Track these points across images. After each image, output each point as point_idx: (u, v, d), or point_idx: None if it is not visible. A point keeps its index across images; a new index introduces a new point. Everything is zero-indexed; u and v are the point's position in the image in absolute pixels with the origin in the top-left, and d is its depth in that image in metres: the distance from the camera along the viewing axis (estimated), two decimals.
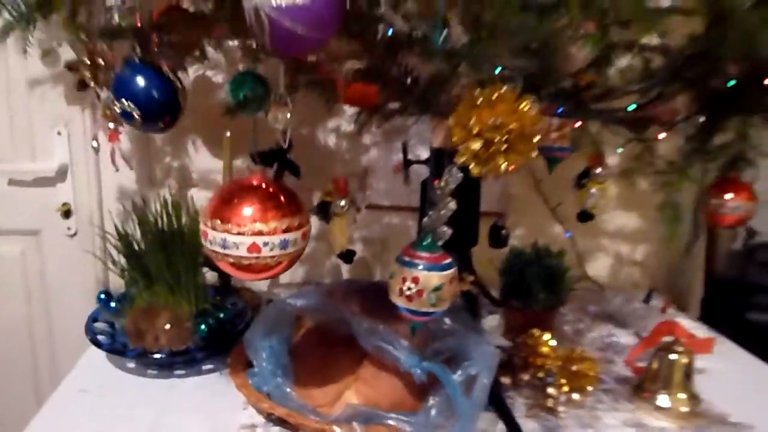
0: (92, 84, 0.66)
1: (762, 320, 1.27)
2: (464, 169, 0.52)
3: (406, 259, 0.50)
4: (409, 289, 0.49)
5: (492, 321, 0.95)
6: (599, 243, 1.38)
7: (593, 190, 0.79)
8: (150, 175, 1.17)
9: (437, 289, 0.49)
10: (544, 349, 0.78)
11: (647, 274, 1.42)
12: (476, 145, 0.40)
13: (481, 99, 0.40)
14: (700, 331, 0.98)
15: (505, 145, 0.40)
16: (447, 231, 0.65)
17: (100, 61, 0.63)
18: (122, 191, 1.17)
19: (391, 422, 0.60)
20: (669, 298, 0.99)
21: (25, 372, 1.25)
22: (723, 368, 0.87)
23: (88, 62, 0.64)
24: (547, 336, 0.80)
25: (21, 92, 1.12)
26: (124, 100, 0.57)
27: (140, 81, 0.57)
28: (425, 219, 0.58)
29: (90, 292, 1.21)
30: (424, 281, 0.49)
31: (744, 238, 1.97)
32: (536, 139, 0.41)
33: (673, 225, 0.67)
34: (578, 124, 0.65)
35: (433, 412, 0.60)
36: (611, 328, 0.97)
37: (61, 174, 1.16)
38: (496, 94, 0.40)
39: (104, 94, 0.67)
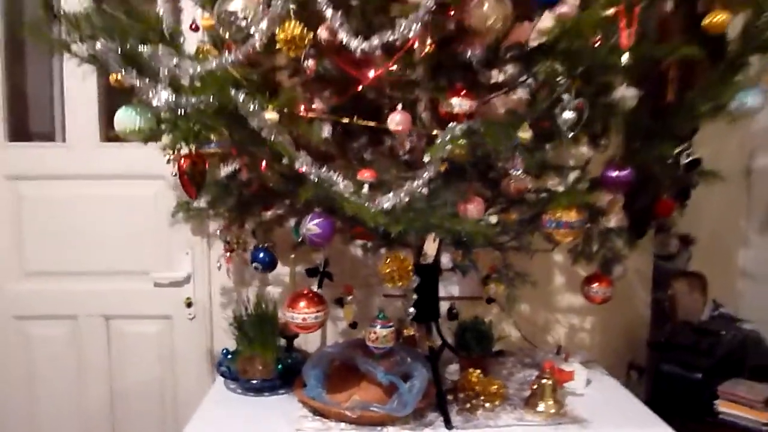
0: (238, 249, 1.42)
1: (669, 370, 1.83)
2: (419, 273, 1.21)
3: (372, 324, 1.19)
4: (373, 336, 1.17)
5: (455, 366, 1.59)
6: (556, 317, 2.00)
7: (492, 286, 1.45)
8: (242, 279, 1.91)
9: (385, 336, 1.17)
10: (474, 380, 1.41)
11: (594, 339, 2.01)
12: (387, 275, 1.09)
13: (387, 259, 1.10)
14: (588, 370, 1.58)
15: (398, 275, 1.09)
16: (412, 311, 1.33)
17: (241, 242, 1.39)
18: (224, 289, 1.92)
19: (374, 409, 1.25)
20: (567, 351, 1.60)
21: (155, 418, 1.97)
22: (595, 394, 1.47)
23: (236, 243, 1.39)
24: (477, 372, 1.43)
25: (165, 229, 1.90)
26: (255, 263, 1.32)
27: (261, 255, 1.32)
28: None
29: (203, 356, 1.93)
30: (379, 333, 1.17)
31: (711, 309, 2.53)
32: (411, 272, 1.09)
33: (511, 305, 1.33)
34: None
35: (395, 403, 1.25)
36: (533, 371, 1.58)
37: (187, 279, 1.92)
38: (396, 257, 1.10)
39: (241, 252, 1.44)
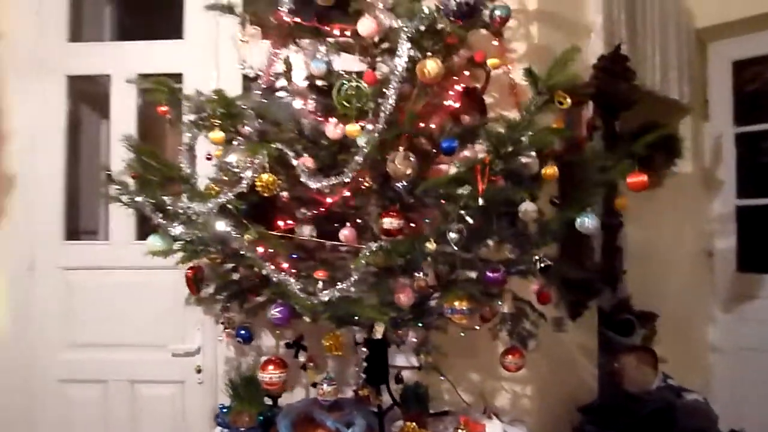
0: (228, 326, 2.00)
1: (589, 429, 2.27)
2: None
3: (321, 383, 1.72)
4: (321, 392, 1.70)
5: (401, 422, 2.07)
6: (502, 384, 2.46)
7: (421, 356, 1.96)
8: (242, 350, 2.45)
9: (329, 392, 1.70)
10: (409, 431, 1.90)
11: (534, 404, 2.46)
12: (327, 347, 1.63)
13: (329, 336, 1.64)
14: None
15: (334, 347, 1.62)
16: (363, 376, 1.87)
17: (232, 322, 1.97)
18: (227, 358, 2.47)
19: None
20: (490, 409, 2.07)
21: None
22: None
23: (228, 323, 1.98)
24: (413, 424, 1.92)
25: (181, 309, 2.48)
26: (238, 338, 1.88)
27: (242, 332, 1.90)
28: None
29: (209, 414, 2.45)
30: (326, 389, 1.70)
31: (660, 381, 2.96)
32: (343, 345, 1.63)
33: (428, 370, 1.84)
34: None
35: None
36: None
37: (198, 350, 2.48)
38: (333, 335, 1.63)
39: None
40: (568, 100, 1.82)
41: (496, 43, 2.10)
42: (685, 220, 3.60)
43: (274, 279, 1.59)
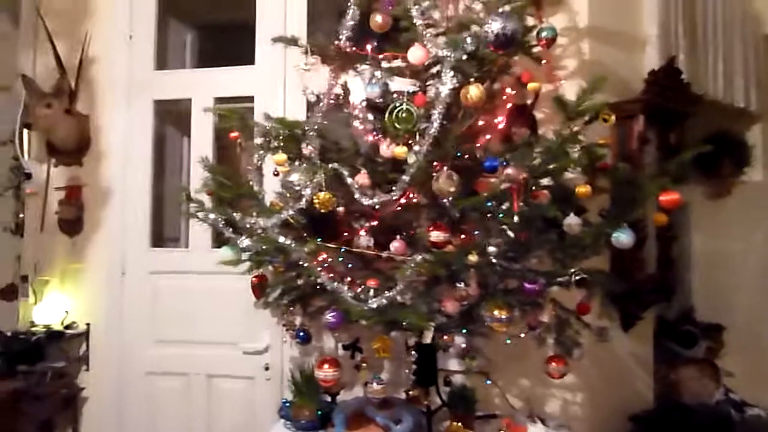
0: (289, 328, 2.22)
1: None
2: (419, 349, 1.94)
3: (370, 382, 1.90)
4: (371, 390, 1.88)
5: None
6: (552, 391, 2.56)
7: (467, 360, 2.10)
8: (306, 350, 2.68)
9: (377, 390, 1.88)
10: (454, 430, 2.05)
11: (585, 412, 2.54)
12: (376, 349, 1.81)
13: (378, 339, 1.82)
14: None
15: (382, 349, 1.80)
16: (413, 377, 2.05)
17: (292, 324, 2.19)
18: (292, 358, 2.70)
19: None
20: (535, 413, 2.18)
21: None
22: None
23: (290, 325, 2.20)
24: (458, 424, 2.07)
25: (252, 311, 2.73)
26: (297, 339, 2.11)
27: (302, 333, 2.11)
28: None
29: (275, 407, 2.69)
30: (375, 388, 1.88)
31: (721, 394, 2.97)
32: (390, 346, 1.81)
33: (469, 374, 1.98)
34: None
35: None
36: None
37: (266, 349, 2.73)
38: (381, 339, 1.81)
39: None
40: (613, 118, 1.93)
41: (544, 61, 2.21)
42: (755, 229, 3.53)
43: (328, 287, 1.79)
